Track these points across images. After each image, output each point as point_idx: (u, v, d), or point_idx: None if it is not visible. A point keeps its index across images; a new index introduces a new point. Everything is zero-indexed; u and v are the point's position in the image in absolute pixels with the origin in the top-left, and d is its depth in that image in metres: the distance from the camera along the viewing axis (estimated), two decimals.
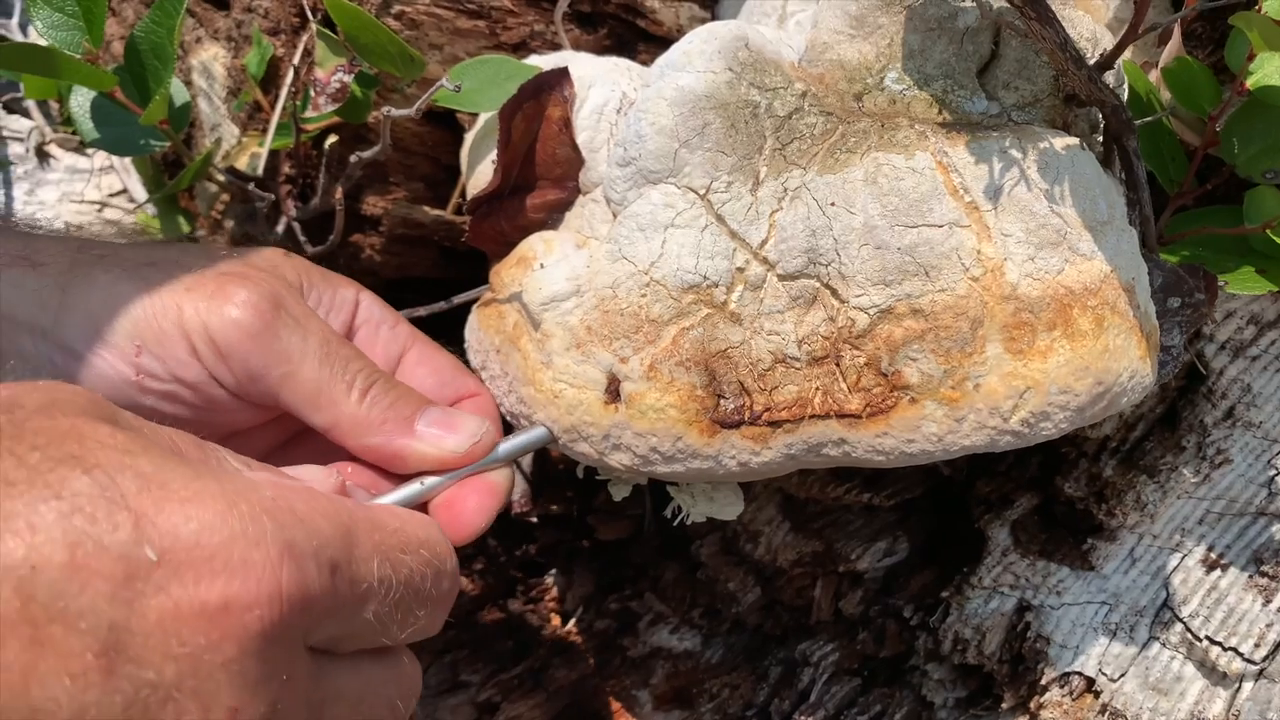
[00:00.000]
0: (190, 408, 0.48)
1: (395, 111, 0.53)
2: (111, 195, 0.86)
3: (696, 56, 0.52)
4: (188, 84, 0.74)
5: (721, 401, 0.50)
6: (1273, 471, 0.64)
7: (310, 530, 0.37)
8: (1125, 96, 0.57)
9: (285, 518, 0.36)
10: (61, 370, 0.46)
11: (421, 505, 0.50)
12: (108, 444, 0.35)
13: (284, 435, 0.54)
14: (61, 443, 0.34)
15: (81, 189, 0.84)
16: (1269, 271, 0.54)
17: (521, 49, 0.65)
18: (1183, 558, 0.64)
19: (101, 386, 0.46)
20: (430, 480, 0.50)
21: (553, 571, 0.79)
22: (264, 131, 0.67)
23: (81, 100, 0.65)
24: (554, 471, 0.77)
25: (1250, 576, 0.63)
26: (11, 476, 0.32)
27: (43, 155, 0.85)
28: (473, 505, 0.50)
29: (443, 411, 0.51)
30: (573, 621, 0.77)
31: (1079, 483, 0.65)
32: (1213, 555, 0.64)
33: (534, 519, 0.78)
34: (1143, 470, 0.63)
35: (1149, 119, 0.55)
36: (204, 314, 0.47)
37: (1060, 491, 0.65)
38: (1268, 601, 0.63)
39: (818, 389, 0.49)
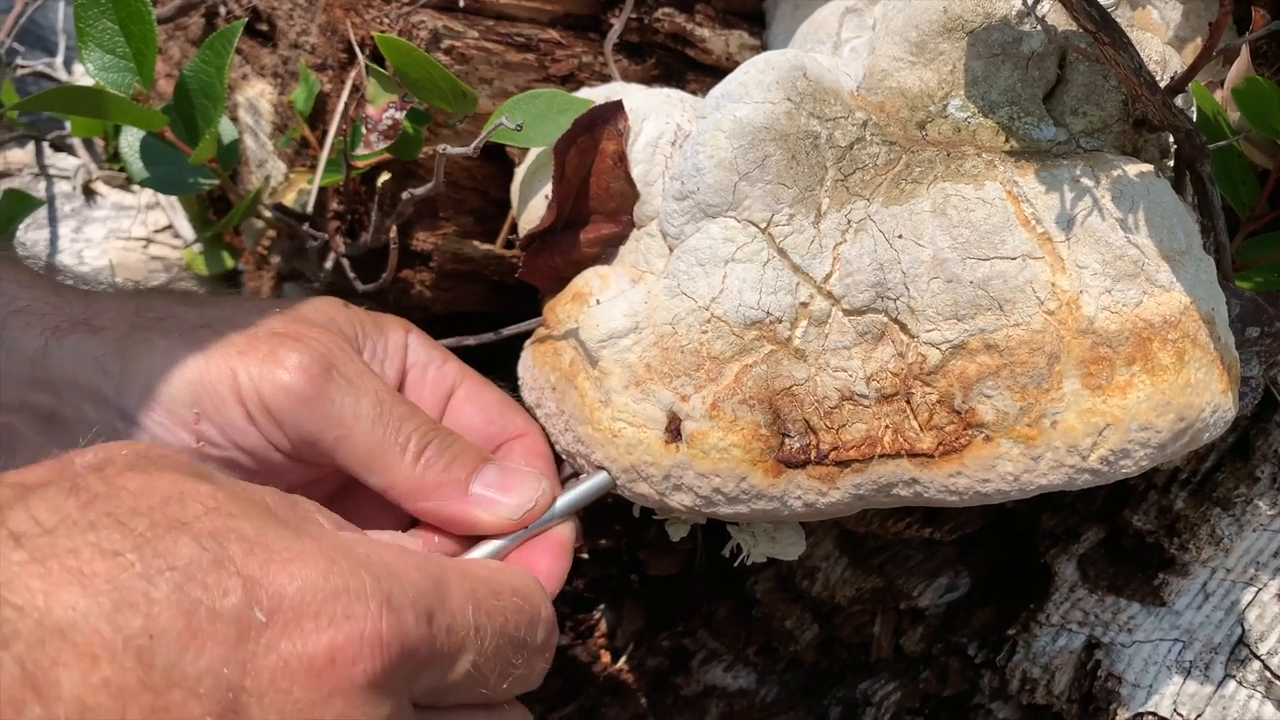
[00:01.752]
0: (249, 472, 0.48)
1: (451, 150, 0.52)
2: (157, 231, 0.86)
3: (754, 87, 0.51)
4: (234, 120, 0.74)
5: (786, 440, 0.48)
6: None
7: (405, 582, 0.38)
8: (1194, 117, 0.56)
9: (381, 571, 0.38)
10: (125, 437, 0.46)
11: None
12: (210, 506, 0.36)
13: (340, 484, 0.54)
14: (165, 507, 0.35)
15: (128, 226, 0.85)
16: None
17: (570, 81, 0.64)
18: (1258, 592, 0.62)
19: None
20: (495, 543, 0.50)
21: (601, 607, 0.78)
22: (311, 168, 0.67)
23: (130, 140, 0.65)
24: (603, 505, 0.76)
25: None
26: (120, 546, 0.33)
27: (89, 193, 0.86)
28: (544, 570, 0.49)
29: (499, 471, 0.50)
30: (623, 659, 0.76)
31: (1149, 515, 0.63)
32: None
33: (583, 554, 0.76)
34: (1216, 503, 0.61)
35: (1220, 144, 0.53)
36: (257, 380, 0.47)
37: (1129, 524, 0.63)
38: None
39: (887, 427, 0.48)
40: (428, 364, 0.55)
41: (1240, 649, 0.62)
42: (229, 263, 0.83)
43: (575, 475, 0.55)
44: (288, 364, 0.48)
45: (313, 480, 0.52)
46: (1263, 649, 0.61)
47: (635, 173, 0.55)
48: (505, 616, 0.43)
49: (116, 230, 0.84)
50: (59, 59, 1.07)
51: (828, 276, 0.49)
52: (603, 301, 0.53)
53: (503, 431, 0.55)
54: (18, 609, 0.31)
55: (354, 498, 0.53)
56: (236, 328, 0.49)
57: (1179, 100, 0.52)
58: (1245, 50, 0.57)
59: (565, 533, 0.51)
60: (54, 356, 0.47)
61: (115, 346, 0.48)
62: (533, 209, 0.58)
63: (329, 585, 0.36)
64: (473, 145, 0.51)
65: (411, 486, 0.48)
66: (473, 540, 0.50)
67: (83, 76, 0.99)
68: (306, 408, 0.47)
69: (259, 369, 0.47)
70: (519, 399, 0.58)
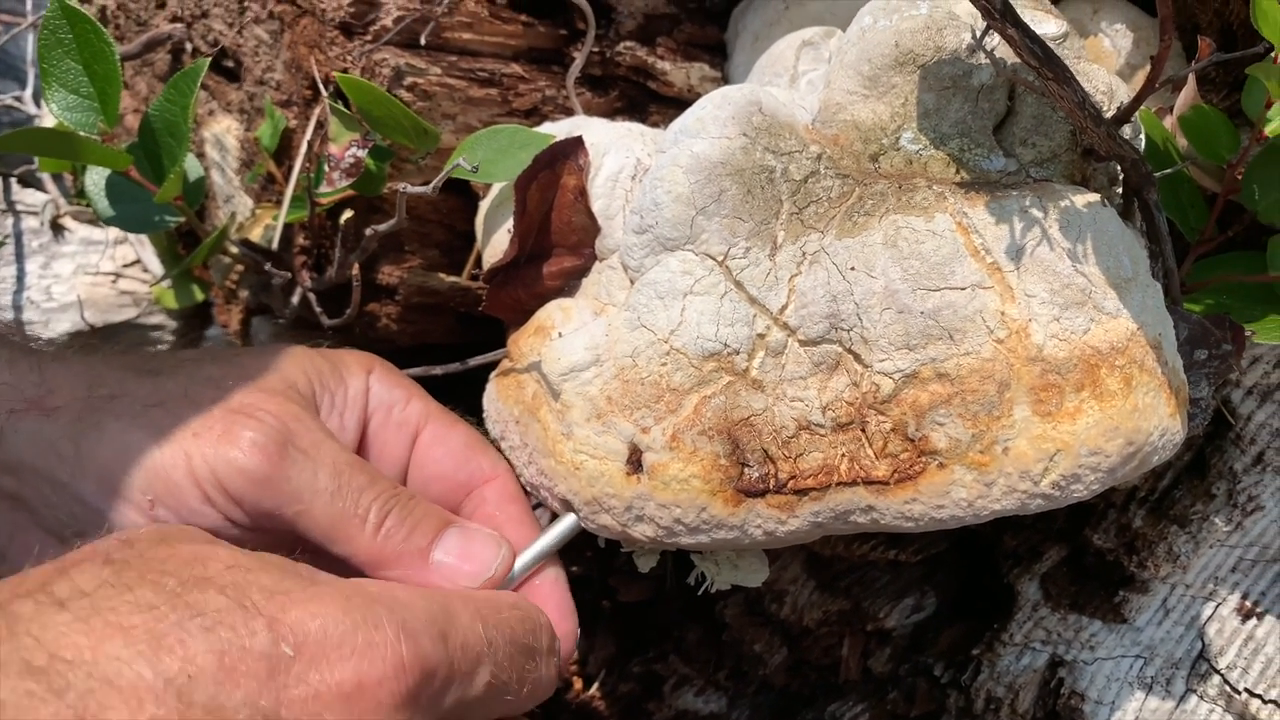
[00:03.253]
0: None
1: (411, 188, 0.53)
2: (126, 266, 0.86)
3: (710, 122, 0.52)
4: (200, 156, 0.74)
5: (745, 470, 0.49)
6: None
7: (416, 610, 0.42)
8: (1142, 145, 0.57)
9: (392, 604, 0.41)
10: (82, 522, 0.47)
11: None
12: (229, 564, 0.40)
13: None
14: (190, 567, 0.39)
15: (96, 261, 0.85)
16: None
17: (534, 114, 0.65)
18: (1217, 607, 0.63)
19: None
20: None
21: None
22: (277, 203, 0.67)
23: (96, 178, 0.65)
24: None
25: None
26: (153, 601, 0.37)
27: (57, 228, 0.86)
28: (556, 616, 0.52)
29: (460, 536, 0.51)
30: (595, 686, 0.76)
31: (1108, 534, 0.64)
32: (1248, 603, 0.63)
33: None
34: (1173, 520, 0.62)
35: (1168, 170, 0.54)
36: (212, 461, 0.47)
37: (1089, 543, 0.64)
38: None
39: (843, 455, 0.48)
40: (391, 406, 0.55)
41: (1201, 664, 0.63)
42: (199, 296, 0.83)
43: (555, 516, 0.55)
44: (242, 444, 0.48)
45: (279, 544, 0.52)
46: (1222, 663, 0.62)
47: (596, 207, 0.56)
48: (511, 626, 0.46)
49: (85, 265, 0.85)
50: (28, 92, 1.07)
51: (783, 308, 0.50)
52: (564, 334, 0.54)
53: (471, 477, 0.55)
54: (68, 663, 0.34)
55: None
56: (190, 405, 0.49)
57: (1127, 129, 0.54)
58: (1192, 79, 0.58)
59: (560, 592, 0.54)
60: (10, 439, 0.48)
61: (68, 430, 0.48)
62: (496, 243, 0.59)
63: (348, 619, 0.39)
64: (431, 185, 0.52)
65: (373, 557, 0.49)
66: None
67: (50, 115, 0.99)
68: (263, 487, 0.48)
69: (213, 450, 0.48)
70: (485, 432, 0.59)
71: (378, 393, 0.56)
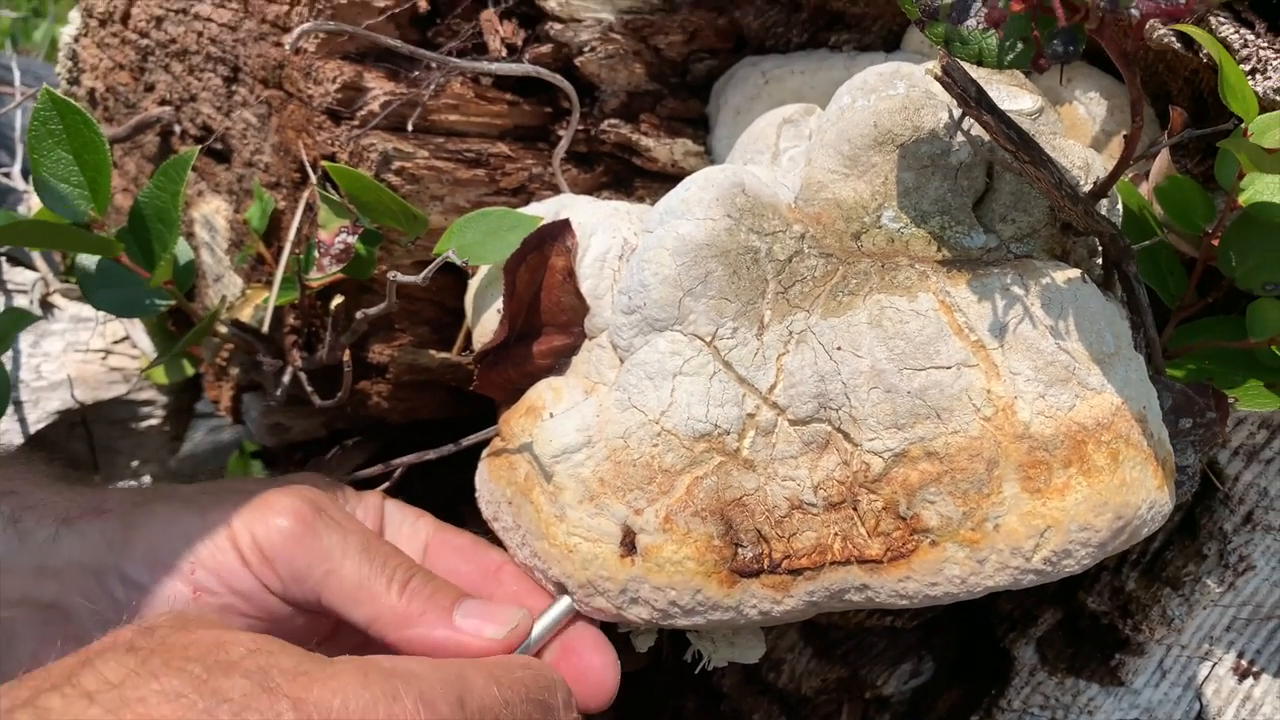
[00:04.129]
0: (248, 617, 0.51)
1: (402, 277, 0.53)
2: (115, 342, 0.86)
3: (695, 204, 0.53)
4: (189, 235, 0.75)
5: (739, 550, 0.49)
6: None
7: (431, 680, 0.43)
8: (1120, 216, 0.58)
9: (408, 675, 0.43)
10: (123, 603, 0.50)
11: None
12: (250, 648, 0.41)
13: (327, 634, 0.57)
14: (213, 652, 0.40)
15: (86, 338, 0.85)
16: (1278, 386, 0.54)
17: (521, 193, 0.66)
18: (1213, 666, 0.63)
19: (164, 608, 0.49)
20: None
21: None
22: (267, 283, 0.68)
23: (87, 263, 0.65)
24: None
25: None
26: (180, 689, 0.38)
27: (47, 306, 0.86)
28: (595, 664, 0.53)
29: (479, 603, 0.52)
30: None
31: (1102, 597, 0.64)
32: (1243, 662, 0.63)
33: None
34: (1166, 582, 0.63)
35: (1147, 243, 0.55)
36: (251, 525, 0.51)
37: (1084, 606, 0.64)
38: None
39: (836, 534, 0.49)
40: (402, 521, 0.58)
41: None
42: (189, 371, 0.84)
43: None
44: (279, 507, 0.52)
45: (302, 633, 0.53)
46: None
47: (584, 287, 0.56)
48: (525, 685, 0.47)
49: (74, 343, 0.85)
50: (16, 168, 1.08)
51: (772, 387, 0.50)
52: (555, 415, 0.54)
53: (483, 566, 0.57)
54: None
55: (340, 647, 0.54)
56: (234, 492, 0.54)
57: (1104, 202, 0.55)
58: (1165, 150, 0.59)
59: (590, 629, 0.54)
60: (63, 542, 0.50)
61: (120, 521, 0.52)
62: (485, 323, 0.59)
63: (368, 693, 0.41)
64: (422, 276, 0.52)
65: (397, 615, 0.50)
66: None
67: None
68: (297, 544, 0.51)
69: (252, 515, 0.51)
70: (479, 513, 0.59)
71: (391, 510, 0.59)
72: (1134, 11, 0.36)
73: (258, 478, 0.57)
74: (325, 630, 0.55)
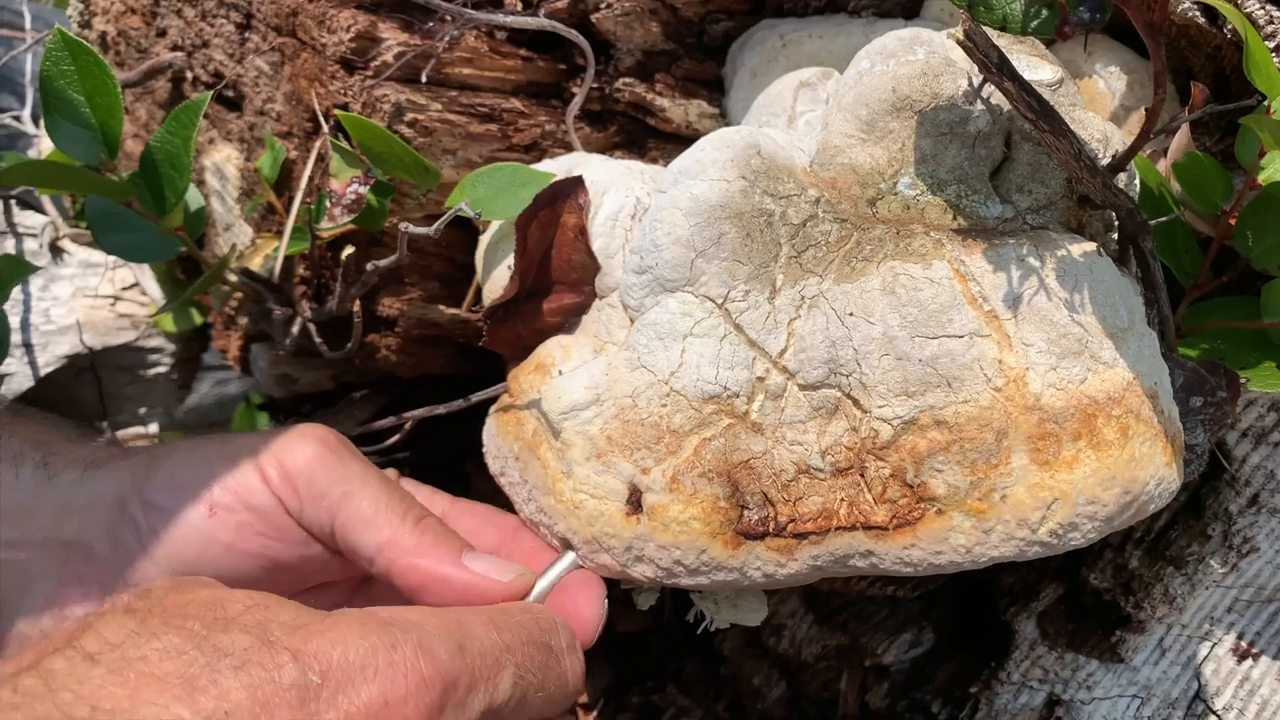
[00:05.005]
0: (261, 538, 0.51)
1: (414, 229, 0.53)
2: (125, 289, 0.86)
3: (710, 165, 0.52)
4: (200, 183, 0.74)
5: (745, 513, 0.49)
6: None
7: (429, 628, 0.43)
8: (1137, 191, 0.57)
9: (406, 624, 0.43)
10: (142, 527, 0.50)
11: None
12: (246, 603, 0.42)
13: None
14: (211, 610, 0.41)
15: (95, 284, 0.85)
16: None
17: (533, 150, 0.65)
18: (1213, 647, 0.64)
19: (180, 529, 0.50)
20: None
21: None
22: (277, 233, 0.68)
23: (98, 207, 0.65)
24: None
25: None
26: (181, 646, 0.38)
27: (56, 250, 0.86)
28: (583, 599, 0.52)
29: (486, 555, 0.53)
30: (593, 715, 0.76)
31: (1105, 574, 0.64)
32: (1243, 644, 0.64)
33: None
34: (1169, 561, 0.63)
35: (1164, 219, 0.55)
36: (277, 448, 0.52)
37: (1086, 582, 0.64)
38: None
39: (843, 500, 0.49)
40: (416, 492, 0.58)
41: (1197, 704, 0.63)
42: (197, 320, 0.84)
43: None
44: (305, 433, 0.53)
45: (309, 568, 0.54)
46: (1219, 704, 0.62)
47: (596, 245, 0.56)
48: (525, 628, 0.47)
49: (84, 288, 0.85)
50: (26, 111, 1.07)
51: (783, 351, 0.50)
52: (565, 372, 0.54)
53: (500, 528, 0.57)
54: (109, 713, 0.36)
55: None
56: (256, 433, 0.55)
57: (1122, 176, 0.54)
58: (1185, 126, 0.58)
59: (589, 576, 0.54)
60: (88, 483, 0.51)
61: (146, 457, 0.53)
62: (496, 279, 0.59)
63: (367, 643, 0.41)
64: (434, 228, 0.52)
65: (408, 544, 0.51)
66: None
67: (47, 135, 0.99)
68: (320, 465, 0.51)
69: (279, 441, 0.52)
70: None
71: (405, 483, 0.59)
72: None
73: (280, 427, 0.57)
74: (331, 573, 0.55)
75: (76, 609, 0.49)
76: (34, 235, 0.86)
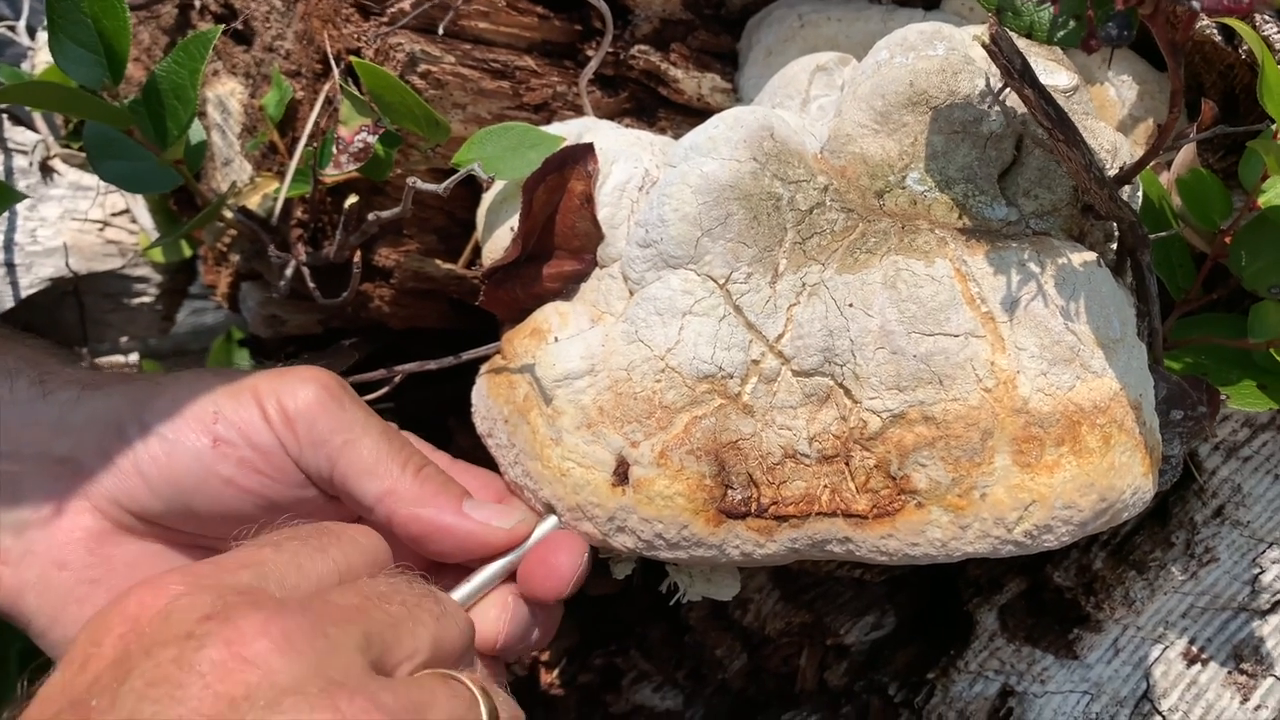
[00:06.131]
0: (260, 476, 0.51)
1: (422, 184, 0.53)
2: (114, 215, 0.85)
3: (722, 143, 0.52)
4: (201, 115, 0.73)
5: (729, 492, 0.50)
6: (1257, 570, 0.65)
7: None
8: (1139, 201, 0.58)
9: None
10: (138, 448, 0.49)
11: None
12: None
13: None
14: None
15: (85, 207, 0.84)
16: (1270, 388, 0.55)
17: (543, 110, 0.65)
18: (1164, 649, 0.65)
19: (181, 457, 0.49)
20: (475, 580, 0.52)
21: None
22: (278, 173, 0.67)
23: (96, 133, 0.64)
24: None
25: (1229, 673, 0.64)
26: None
27: (46, 170, 0.85)
28: (564, 551, 0.52)
29: (485, 502, 0.53)
30: (555, 673, 0.77)
31: (1069, 573, 0.65)
32: (1194, 649, 0.65)
33: None
34: (1132, 565, 0.64)
35: (1163, 234, 0.56)
36: (277, 388, 0.51)
37: (1050, 580, 0.66)
38: (1245, 699, 0.64)
39: (825, 486, 0.49)
40: (420, 446, 0.58)
41: (1144, 704, 0.65)
42: (186, 252, 0.83)
43: None
44: (307, 376, 0.52)
45: (305, 509, 0.53)
46: (1165, 705, 0.64)
47: (601, 215, 0.56)
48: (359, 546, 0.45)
49: (72, 211, 0.84)
50: (22, 22, 1.05)
51: (780, 336, 0.51)
52: (561, 339, 0.54)
53: (499, 488, 0.57)
54: None
55: None
56: (258, 370, 0.54)
57: (1126, 188, 0.55)
58: (1191, 143, 0.59)
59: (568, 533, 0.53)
60: (85, 403, 0.50)
61: (146, 381, 0.52)
62: (497, 238, 0.59)
63: None
64: (443, 186, 0.52)
65: (410, 493, 0.51)
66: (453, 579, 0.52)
67: (46, 47, 0.97)
68: (321, 409, 0.51)
69: (280, 380, 0.51)
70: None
71: (407, 435, 0.58)
72: (1194, 4, 0.36)
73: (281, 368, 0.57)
74: (325, 516, 0.53)
75: (64, 524, 0.49)
76: (24, 152, 0.85)
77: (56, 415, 0.50)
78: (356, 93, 0.58)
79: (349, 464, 0.51)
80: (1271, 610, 0.65)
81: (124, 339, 0.88)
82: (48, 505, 0.49)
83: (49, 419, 0.50)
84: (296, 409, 0.51)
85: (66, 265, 0.82)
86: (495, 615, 0.51)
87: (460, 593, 0.51)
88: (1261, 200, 0.55)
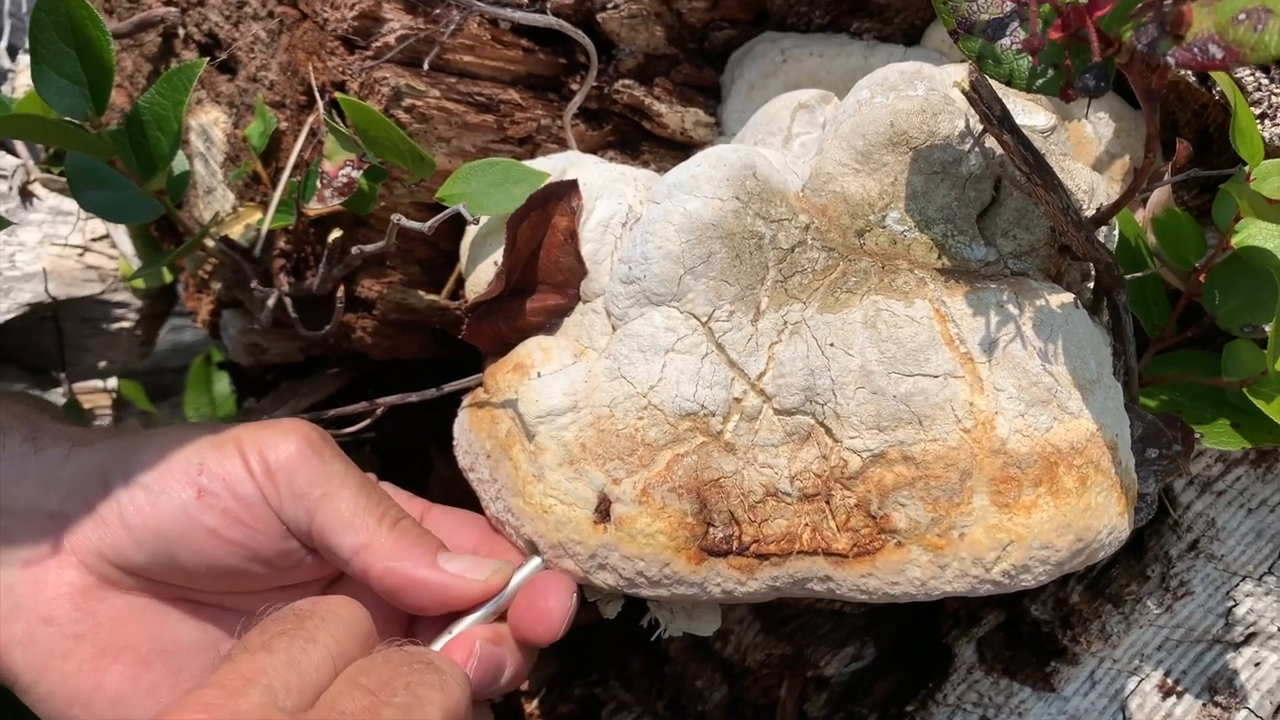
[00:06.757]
0: (244, 528, 0.51)
1: (405, 222, 0.53)
2: (94, 240, 0.85)
3: (705, 182, 0.53)
4: (184, 143, 0.73)
5: (711, 530, 0.50)
6: (1231, 603, 0.66)
7: None
8: (1115, 240, 0.59)
9: None
10: (123, 500, 0.50)
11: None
12: None
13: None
14: None
15: (65, 232, 0.83)
16: (1243, 427, 0.56)
17: (528, 143, 0.65)
18: (1140, 682, 0.66)
19: (166, 508, 0.50)
20: (454, 633, 0.52)
21: None
22: (260, 203, 0.67)
23: (78, 162, 0.64)
24: None
25: (1204, 705, 0.65)
26: None
27: (26, 194, 0.84)
28: (552, 606, 0.52)
29: (461, 555, 0.53)
30: (535, 703, 0.77)
31: (1046, 606, 0.66)
32: (1169, 681, 0.66)
33: None
34: (1109, 599, 0.65)
35: (1139, 274, 0.56)
36: (259, 440, 0.52)
37: (1027, 612, 0.66)
38: None
39: (807, 525, 0.50)
40: (395, 496, 0.59)
41: None
42: (167, 278, 0.83)
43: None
44: (288, 428, 0.53)
45: (286, 563, 0.53)
46: None
47: (585, 250, 0.56)
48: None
49: (52, 236, 0.83)
50: (3, 43, 1.05)
51: (761, 374, 0.51)
52: (544, 375, 0.55)
53: (481, 526, 0.58)
54: None
55: None
56: (242, 423, 0.54)
57: (1103, 229, 0.55)
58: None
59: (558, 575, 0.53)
60: (74, 459, 0.51)
61: (132, 436, 0.53)
62: (481, 272, 0.59)
63: None
64: (427, 225, 0.52)
65: (387, 547, 0.51)
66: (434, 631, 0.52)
67: (28, 68, 0.97)
68: (302, 462, 0.51)
69: (262, 432, 0.52)
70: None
71: (384, 486, 0.59)
72: (1169, 59, 0.37)
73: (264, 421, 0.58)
74: (307, 571, 0.54)
75: (50, 580, 0.49)
76: (4, 176, 0.84)
77: (47, 471, 0.50)
78: (341, 127, 0.59)
79: (326, 517, 0.51)
80: (1245, 643, 0.66)
81: (102, 364, 0.87)
82: (36, 560, 0.49)
83: (39, 475, 0.50)
84: (278, 461, 0.51)
85: (46, 290, 0.82)
86: (460, 661, 0.51)
87: (437, 646, 0.51)
88: (1235, 241, 0.56)
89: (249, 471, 0.51)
